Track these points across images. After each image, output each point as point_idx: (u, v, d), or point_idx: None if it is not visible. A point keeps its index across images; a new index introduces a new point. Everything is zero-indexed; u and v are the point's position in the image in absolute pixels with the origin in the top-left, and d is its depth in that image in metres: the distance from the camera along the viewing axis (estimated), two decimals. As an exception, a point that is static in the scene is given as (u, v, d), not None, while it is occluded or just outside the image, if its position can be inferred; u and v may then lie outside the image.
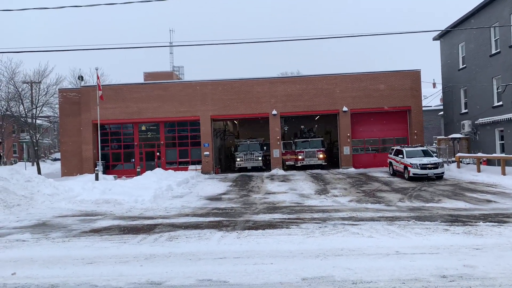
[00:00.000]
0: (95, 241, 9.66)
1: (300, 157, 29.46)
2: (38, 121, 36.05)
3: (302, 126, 32.79)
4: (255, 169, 29.71)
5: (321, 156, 29.28)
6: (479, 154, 23.79)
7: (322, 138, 31.05)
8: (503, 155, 22.34)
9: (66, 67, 73.29)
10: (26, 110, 32.43)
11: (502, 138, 23.88)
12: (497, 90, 24.14)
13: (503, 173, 19.79)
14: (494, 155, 23.04)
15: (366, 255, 7.62)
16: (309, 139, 30.34)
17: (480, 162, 22.72)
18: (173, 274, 6.89)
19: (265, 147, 30.78)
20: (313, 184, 20.75)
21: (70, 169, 29.51)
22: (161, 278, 6.68)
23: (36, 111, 32.69)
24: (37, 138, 33.15)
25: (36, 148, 33.11)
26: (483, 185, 18.03)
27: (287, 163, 30.13)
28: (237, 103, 29.23)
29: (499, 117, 23.28)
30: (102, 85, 27.17)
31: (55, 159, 52.09)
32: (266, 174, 27.07)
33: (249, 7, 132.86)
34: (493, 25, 23.66)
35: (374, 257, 7.47)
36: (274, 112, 29.05)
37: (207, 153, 29.28)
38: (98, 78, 26.39)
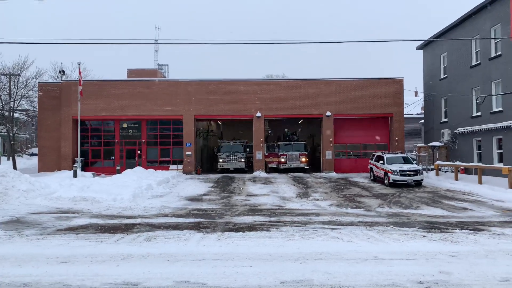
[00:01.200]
0: (71, 239, 9.43)
1: (282, 160, 29.53)
2: (15, 115, 35.13)
3: (286, 129, 32.89)
4: (237, 170, 29.63)
5: (303, 159, 29.42)
6: (457, 163, 24.33)
7: (305, 142, 31.21)
8: (480, 164, 22.90)
9: (47, 61, 71.84)
10: (3, 103, 31.55)
11: (479, 147, 24.48)
12: (476, 101, 24.75)
13: (480, 182, 20.27)
14: (471, 164, 23.61)
15: (345, 260, 7.66)
16: (292, 143, 30.44)
17: (458, 171, 23.24)
18: (150, 275, 6.77)
19: (248, 149, 30.75)
20: (295, 187, 20.81)
21: (47, 165, 28.80)
22: (138, 279, 6.55)
23: (14, 104, 31.85)
24: (14, 132, 32.28)
25: (12, 142, 32.22)
26: (460, 193, 18.42)
27: (269, 165, 30.16)
28: (221, 103, 29.12)
29: (477, 127, 23.87)
30: (84, 80, 26.70)
31: (32, 154, 50.80)
32: (248, 176, 27.02)
33: (237, 8, 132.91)
34: (474, 37, 24.27)
35: (353, 262, 7.51)
36: (259, 114, 29.05)
37: (189, 153, 29.04)
38: (80, 73, 25.88)
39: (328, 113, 29.02)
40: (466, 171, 24.58)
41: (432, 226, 11.13)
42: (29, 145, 59.06)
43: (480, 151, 24.29)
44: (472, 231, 10.33)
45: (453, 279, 6.55)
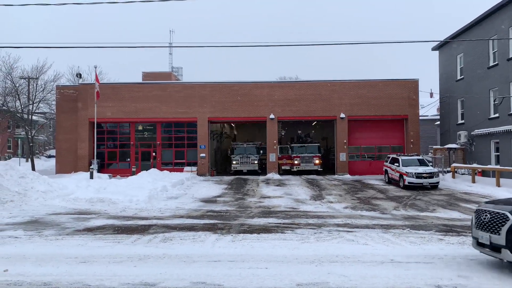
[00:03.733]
0: (89, 240, 9.59)
1: (296, 162, 29.47)
2: (34, 117, 35.85)
3: (299, 131, 32.83)
4: (250, 172, 29.68)
5: (317, 161, 29.30)
6: (474, 165, 23.92)
7: (318, 144, 31.10)
8: (498, 166, 22.46)
9: (65, 65, 73.19)
10: (22, 106, 32.25)
11: (497, 149, 24.03)
12: (494, 102, 24.32)
13: (498, 185, 19.88)
14: (489, 166, 23.18)
15: (361, 262, 7.61)
16: (305, 145, 30.37)
17: (475, 173, 22.84)
18: (167, 276, 6.84)
19: (261, 151, 30.79)
20: (309, 189, 20.75)
21: (64, 167, 29.33)
22: (155, 280, 6.63)
23: (32, 107, 32.51)
24: (33, 134, 32.95)
25: (31, 144, 32.91)
26: (478, 196, 18.10)
27: (283, 167, 30.13)
28: (235, 106, 29.25)
29: (495, 129, 23.44)
30: (100, 83, 27.09)
31: (50, 156, 51.74)
32: (261, 178, 27.05)
33: (250, 10, 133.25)
34: (492, 38, 23.87)
35: (369, 265, 7.46)
36: (272, 116, 29.07)
37: (203, 155, 29.23)
38: (96, 76, 26.31)
39: (342, 115, 28.87)
40: (484, 173, 24.12)
41: (449, 229, 10.98)
42: (47, 147, 60.17)
43: (498, 153, 23.84)
44: (490, 235, 10.13)
45: (471, 283, 6.44)
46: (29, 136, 32.22)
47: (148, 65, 64.43)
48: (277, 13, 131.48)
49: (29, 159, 32.76)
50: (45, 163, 41.90)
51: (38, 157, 48.26)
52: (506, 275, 6.84)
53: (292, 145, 30.99)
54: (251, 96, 29.29)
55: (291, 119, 30.18)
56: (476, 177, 22.58)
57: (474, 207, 15.13)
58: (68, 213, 13.48)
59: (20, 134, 48.26)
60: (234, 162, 30.03)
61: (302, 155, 29.53)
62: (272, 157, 29.32)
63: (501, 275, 6.85)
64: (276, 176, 27.49)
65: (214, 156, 33.42)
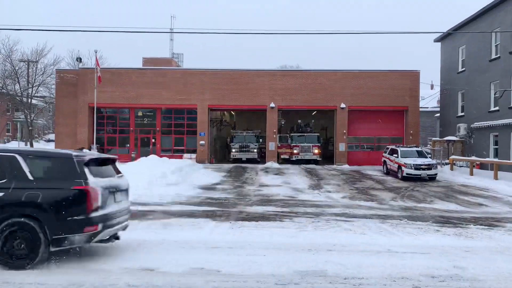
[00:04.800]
0: (88, 224, 9.64)
1: (295, 151, 29.51)
2: (33, 101, 35.75)
3: (299, 121, 32.79)
4: (250, 161, 29.73)
5: (316, 151, 29.34)
6: (473, 158, 24.01)
7: (318, 134, 31.10)
8: (496, 159, 22.54)
9: (65, 48, 72.71)
10: (22, 89, 32.16)
11: (496, 143, 24.09)
12: (494, 95, 24.28)
13: (496, 178, 19.99)
14: (487, 159, 23.27)
15: (358, 252, 7.70)
16: (305, 134, 30.37)
17: (474, 166, 22.94)
18: (165, 261, 6.91)
19: (261, 139, 30.79)
20: (307, 178, 20.83)
21: (64, 151, 29.28)
22: (154, 265, 6.70)
23: (32, 90, 32.47)
24: (32, 118, 32.94)
25: (30, 128, 32.93)
26: (475, 189, 18.21)
27: (282, 156, 30.19)
28: (235, 93, 29.14)
29: (494, 122, 23.46)
30: (100, 68, 26.93)
31: (49, 140, 51.74)
32: (260, 166, 27.12)
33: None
34: (494, 30, 23.72)
35: (366, 254, 7.55)
36: (272, 105, 29.01)
37: (203, 142, 29.23)
38: (97, 60, 26.16)
39: (343, 105, 28.81)
40: (482, 166, 24.23)
41: (446, 220, 11.08)
42: (46, 131, 60.15)
43: (497, 147, 23.90)
44: (487, 227, 10.25)
45: (467, 274, 6.53)
46: (28, 120, 32.20)
47: (149, 51, 64.08)
48: (279, 2, 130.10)
49: (28, 143, 32.75)
50: (44, 147, 41.91)
51: (37, 141, 48.27)
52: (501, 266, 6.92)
53: (292, 134, 30.99)
54: (251, 84, 29.16)
55: (292, 108, 30.12)
56: (474, 170, 22.68)
57: (471, 199, 15.24)
58: (67, 198, 13.51)
59: (19, 118, 48.15)
60: (233, 150, 30.06)
61: (302, 144, 29.55)
62: (271, 145, 29.34)
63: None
64: (275, 165, 27.54)
65: (213, 144, 33.43)
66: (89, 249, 7.39)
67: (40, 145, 43.33)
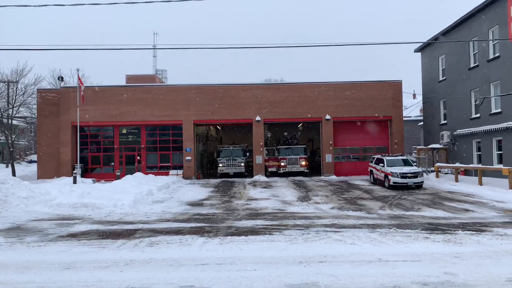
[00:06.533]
0: (73, 245, 9.38)
1: (282, 163, 29.51)
2: (14, 122, 35.06)
3: (285, 133, 32.90)
4: (237, 175, 29.57)
5: (303, 163, 29.40)
6: (457, 165, 24.34)
7: (304, 146, 31.21)
8: (480, 165, 22.90)
9: (46, 68, 71.79)
10: (1, 110, 31.51)
11: (479, 149, 24.51)
12: (475, 102, 24.80)
13: (480, 183, 20.27)
14: (471, 165, 23.62)
15: (349, 262, 7.63)
16: (292, 146, 30.45)
17: (458, 172, 23.25)
18: (154, 280, 6.72)
19: (247, 153, 30.71)
20: (295, 191, 20.77)
21: (46, 172, 28.69)
22: (142, 285, 6.51)
23: (12, 111, 31.82)
24: (13, 139, 32.22)
25: (11, 149, 32.15)
26: (461, 195, 18.41)
27: (269, 169, 30.13)
28: (220, 108, 29.11)
29: (476, 129, 23.92)
30: (84, 86, 26.62)
31: (31, 161, 50.60)
32: (248, 180, 26.98)
33: (235, 13, 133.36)
34: (472, 39, 24.38)
35: (357, 264, 7.48)
36: (258, 118, 29.06)
37: (189, 158, 29.00)
38: (79, 79, 25.86)
39: (328, 117, 29.05)
40: (466, 172, 24.59)
41: (435, 227, 11.11)
42: (28, 152, 58.87)
43: (480, 153, 24.31)
44: (475, 232, 10.31)
45: (458, 280, 6.52)
46: (9, 141, 31.48)
47: (132, 68, 63.79)
48: (261, 16, 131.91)
49: (10, 165, 31.96)
50: (26, 169, 40.95)
51: (18, 162, 47.14)
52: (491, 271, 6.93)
53: (279, 147, 31.03)
54: (236, 99, 29.20)
55: (277, 121, 30.22)
56: (459, 176, 22.99)
57: (458, 205, 15.38)
58: (50, 219, 13.16)
59: (0, 139, 47.08)
60: (220, 165, 29.88)
61: (289, 157, 29.60)
62: (258, 159, 29.28)
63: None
64: (263, 178, 27.45)
65: (200, 159, 33.20)
66: (74, 272, 7.13)
67: (21, 167, 42.32)
